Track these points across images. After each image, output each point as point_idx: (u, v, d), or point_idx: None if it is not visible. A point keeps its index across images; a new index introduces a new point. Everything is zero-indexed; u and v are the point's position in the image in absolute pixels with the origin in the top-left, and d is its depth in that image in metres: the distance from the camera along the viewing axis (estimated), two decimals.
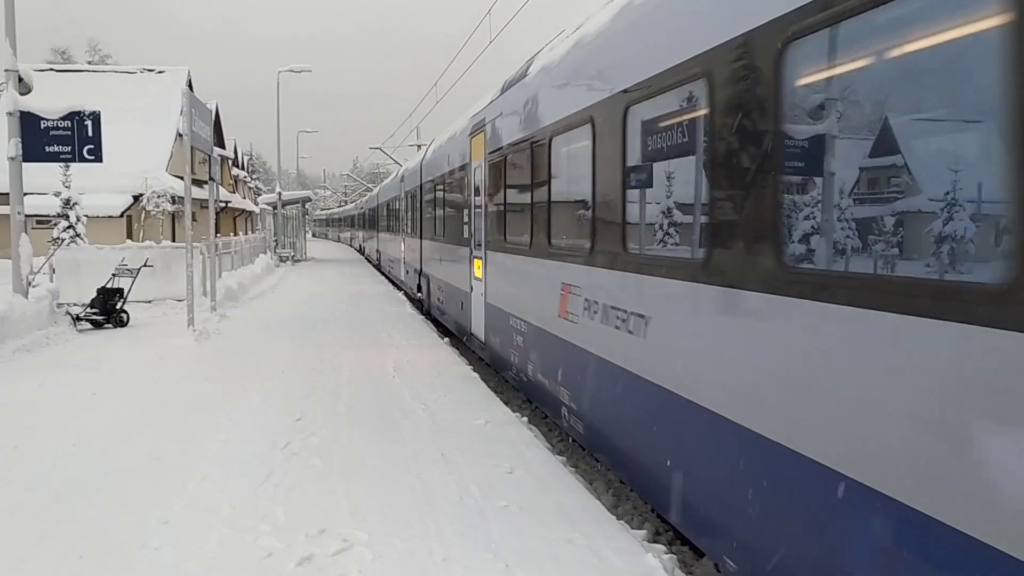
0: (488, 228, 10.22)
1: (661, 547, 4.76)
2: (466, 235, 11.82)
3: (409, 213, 20.93)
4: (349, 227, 69.65)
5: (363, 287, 24.61)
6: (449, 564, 4.34)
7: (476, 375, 9.91)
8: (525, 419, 7.83)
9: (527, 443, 6.76)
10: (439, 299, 15.32)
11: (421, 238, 17.99)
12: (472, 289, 11.40)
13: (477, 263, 10.92)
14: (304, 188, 77.97)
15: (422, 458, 6.27)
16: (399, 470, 5.97)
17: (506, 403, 8.54)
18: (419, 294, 18.73)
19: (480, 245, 10.70)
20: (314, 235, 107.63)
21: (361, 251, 50.94)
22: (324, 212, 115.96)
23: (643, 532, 5.10)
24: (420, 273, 18.35)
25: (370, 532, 4.75)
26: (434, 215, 15.81)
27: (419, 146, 34.84)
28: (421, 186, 17.99)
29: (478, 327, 11.10)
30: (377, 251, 35.38)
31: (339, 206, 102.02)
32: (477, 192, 10.98)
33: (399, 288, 23.52)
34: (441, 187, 14.72)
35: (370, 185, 63.70)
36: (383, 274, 30.71)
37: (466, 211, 11.86)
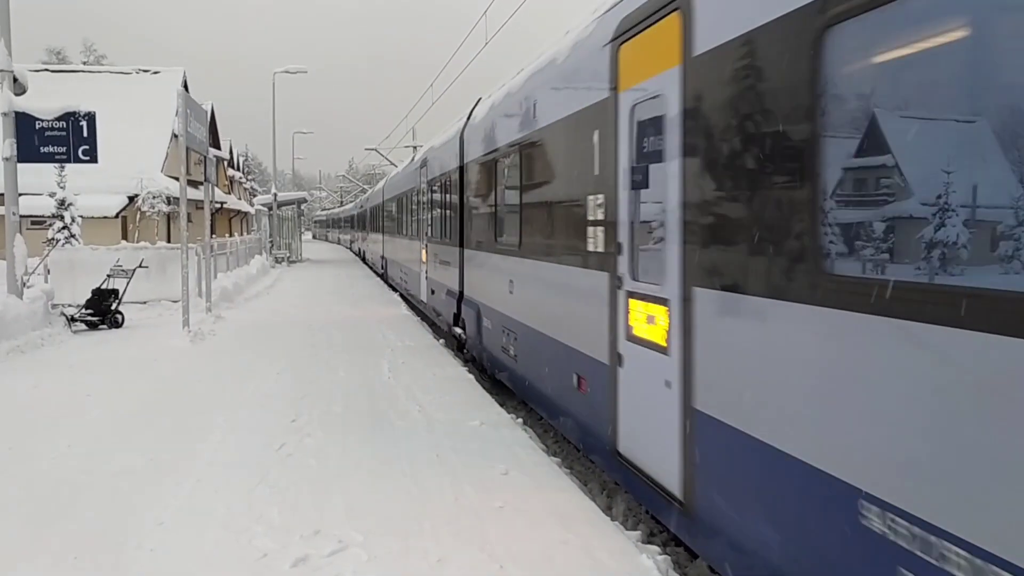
0: (735, 239, 4.00)
1: (655, 548, 4.78)
2: (596, 247, 5.87)
3: (438, 211, 14.59)
4: (349, 229, 59.87)
5: (364, 300, 24.44)
6: (444, 565, 4.35)
7: (471, 376, 9.92)
8: (520, 420, 7.84)
9: (522, 444, 6.77)
10: (508, 350, 8.94)
11: (462, 247, 11.95)
12: (622, 361, 5.40)
13: (652, 312, 4.90)
14: (300, 189, 77.97)
15: (417, 459, 6.28)
16: (394, 471, 5.97)
17: (501, 404, 8.56)
18: (457, 329, 12.52)
19: (668, 274, 4.65)
20: (314, 237, 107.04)
21: (361, 256, 44.21)
22: (324, 213, 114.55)
23: (637, 533, 5.11)
24: (460, 298, 12.16)
25: (365, 533, 4.76)
26: (493, 212, 9.79)
27: (414, 147, 34.66)
28: (463, 169, 12.00)
29: (664, 466, 4.74)
30: (383, 258, 28.28)
31: (339, 206, 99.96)
32: (647, 155, 5.03)
33: (392, 288, 23.39)
34: (515, 163, 8.47)
35: (366, 187, 63.38)
36: (388, 284, 25.58)
37: (598, 202, 5.82)
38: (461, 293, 12.13)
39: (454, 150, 12.65)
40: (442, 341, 13.29)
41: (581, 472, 7.14)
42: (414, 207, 18.31)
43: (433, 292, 15.25)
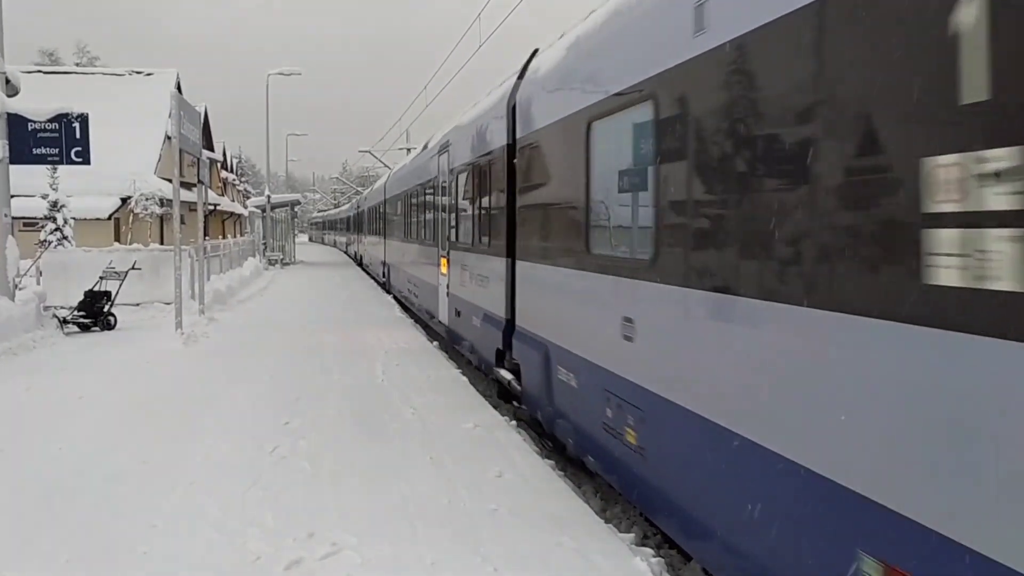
0: None
1: (649, 550, 4.78)
2: (983, 277, 2.33)
3: (469, 208, 11.06)
4: (345, 231, 55.69)
5: (357, 302, 24.34)
6: (438, 568, 4.35)
7: (464, 379, 9.91)
8: (514, 423, 7.84)
9: (516, 447, 6.77)
10: (620, 433, 5.27)
11: (512, 256, 8.60)
12: None
13: None
14: (293, 191, 77.81)
15: (411, 462, 6.27)
16: (388, 474, 5.96)
17: (495, 407, 8.55)
18: (503, 372, 8.93)
19: None
20: (310, 239, 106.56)
21: (357, 260, 41.65)
22: (320, 215, 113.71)
23: (631, 536, 5.11)
24: (510, 329, 8.71)
25: (359, 536, 4.75)
26: (583, 206, 6.18)
27: (408, 150, 34.59)
28: (513, 147, 8.58)
29: None
30: (384, 265, 25.10)
31: (334, 207, 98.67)
32: None
33: (387, 291, 23.26)
34: (639, 122, 5.04)
35: (360, 188, 63.26)
36: (388, 291, 23.07)
37: (993, 166, 2.27)
38: (510, 322, 8.70)
39: (499, 124, 9.15)
40: (436, 344, 13.27)
41: (575, 475, 7.14)
42: (430, 204, 14.72)
43: (459, 314, 11.63)
